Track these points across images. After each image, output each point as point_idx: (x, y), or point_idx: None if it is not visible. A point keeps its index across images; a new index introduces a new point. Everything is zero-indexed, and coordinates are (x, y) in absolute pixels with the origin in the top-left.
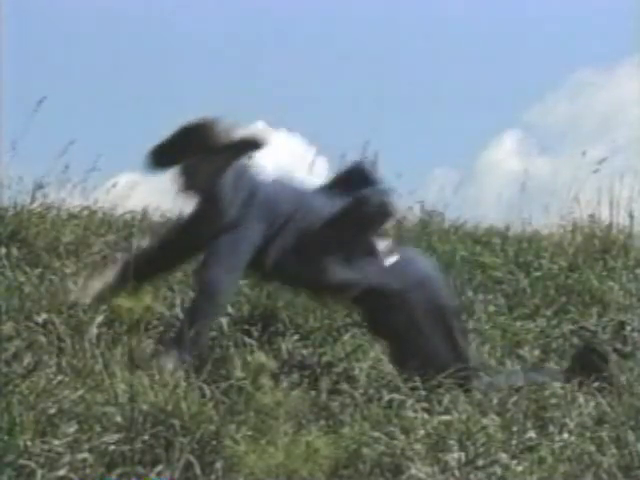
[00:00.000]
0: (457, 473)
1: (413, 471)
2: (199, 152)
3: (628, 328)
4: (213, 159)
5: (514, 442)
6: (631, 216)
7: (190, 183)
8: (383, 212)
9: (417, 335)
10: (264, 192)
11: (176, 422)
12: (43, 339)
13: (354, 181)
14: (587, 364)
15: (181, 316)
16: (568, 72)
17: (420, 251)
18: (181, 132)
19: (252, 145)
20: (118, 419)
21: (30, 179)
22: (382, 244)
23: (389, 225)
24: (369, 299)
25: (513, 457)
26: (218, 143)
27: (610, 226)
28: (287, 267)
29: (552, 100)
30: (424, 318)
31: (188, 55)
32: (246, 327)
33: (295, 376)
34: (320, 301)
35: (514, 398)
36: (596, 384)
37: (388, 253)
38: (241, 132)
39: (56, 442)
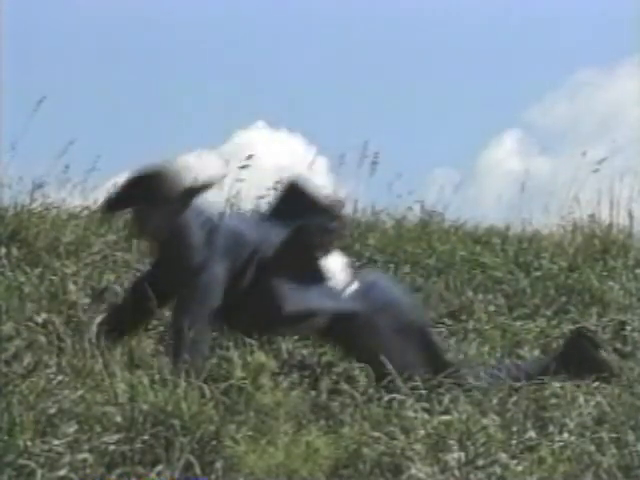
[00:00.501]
0: (457, 473)
1: (413, 471)
2: (150, 201)
3: (628, 328)
4: (164, 207)
5: (514, 442)
6: (631, 216)
7: (143, 230)
8: (330, 233)
9: (390, 355)
10: (224, 230)
11: (176, 422)
12: (43, 339)
13: (296, 204)
14: (578, 350)
15: None
16: (568, 72)
17: (381, 273)
18: (131, 182)
19: (201, 189)
20: (118, 419)
21: (30, 179)
22: (343, 269)
23: (341, 242)
24: (336, 327)
25: (513, 457)
26: (168, 192)
27: (610, 226)
28: (250, 303)
29: (552, 100)
30: (394, 338)
31: (188, 55)
32: None
33: (295, 376)
34: (287, 334)
35: (514, 398)
36: (596, 384)
37: (350, 278)
38: (189, 179)
39: (56, 442)
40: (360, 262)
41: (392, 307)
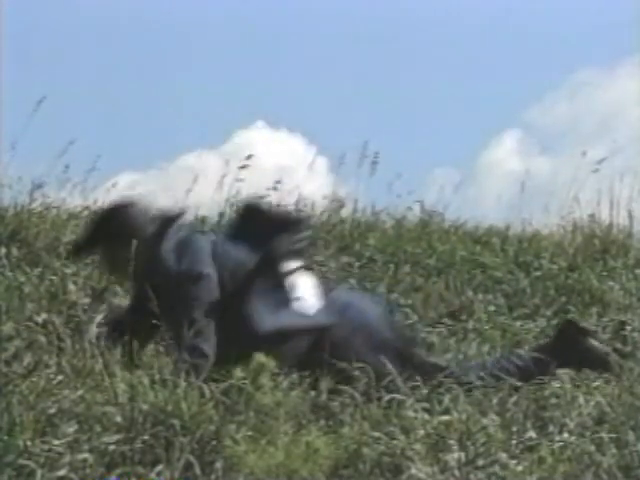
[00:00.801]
0: (457, 473)
1: (413, 471)
2: (119, 237)
3: (628, 328)
4: (135, 241)
5: (514, 442)
6: (631, 216)
7: (116, 268)
8: (299, 248)
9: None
10: (213, 249)
11: (176, 422)
12: (43, 339)
13: (259, 223)
14: (569, 339)
15: None
16: (568, 72)
17: (354, 291)
18: (97, 220)
19: (173, 219)
20: (118, 419)
21: (30, 179)
22: (316, 289)
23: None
24: (314, 347)
25: (513, 457)
26: (137, 226)
27: (610, 226)
28: (224, 326)
29: (552, 100)
30: (371, 358)
31: (188, 55)
32: None
33: (295, 376)
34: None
35: (514, 398)
36: (596, 383)
37: (323, 297)
38: (156, 210)
39: (56, 442)
40: (360, 262)
41: (368, 327)
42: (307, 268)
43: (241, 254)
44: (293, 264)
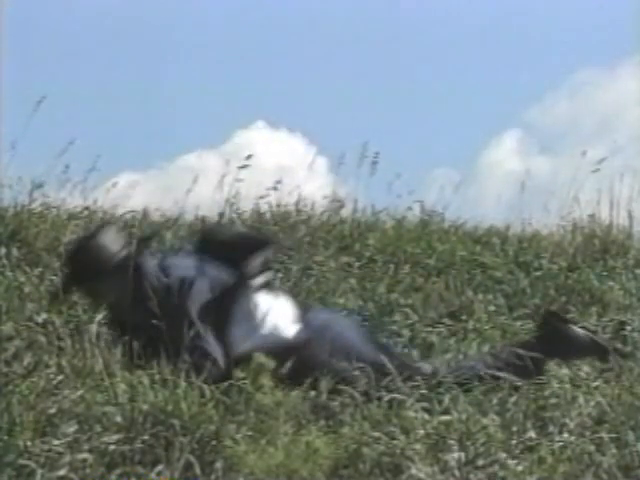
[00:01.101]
0: (457, 473)
1: (413, 471)
2: (97, 272)
3: (628, 328)
4: (115, 271)
5: (514, 442)
6: (631, 216)
7: (102, 300)
8: (267, 270)
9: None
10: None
11: (176, 422)
12: (43, 339)
13: (221, 247)
14: (552, 330)
15: None
16: (568, 72)
17: (331, 311)
18: (68, 263)
19: (146, 242)
20: (118, 419)
21: (30, 179)
22: (292, 308)
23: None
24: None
25: (513, 457)
26: (107, 258)
27: (610, 226)
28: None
29: (552, 100)
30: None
31: (188, 55)
32: None
33: None
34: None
35: (514, 398)
36: (596, 383)
37: (300, 317)
38: (131, 233)
39: (56, 442)
40: (360, 262)
41: (347, 348)
42: (276, 287)
43: (221, 274)
44: (266, 285)
